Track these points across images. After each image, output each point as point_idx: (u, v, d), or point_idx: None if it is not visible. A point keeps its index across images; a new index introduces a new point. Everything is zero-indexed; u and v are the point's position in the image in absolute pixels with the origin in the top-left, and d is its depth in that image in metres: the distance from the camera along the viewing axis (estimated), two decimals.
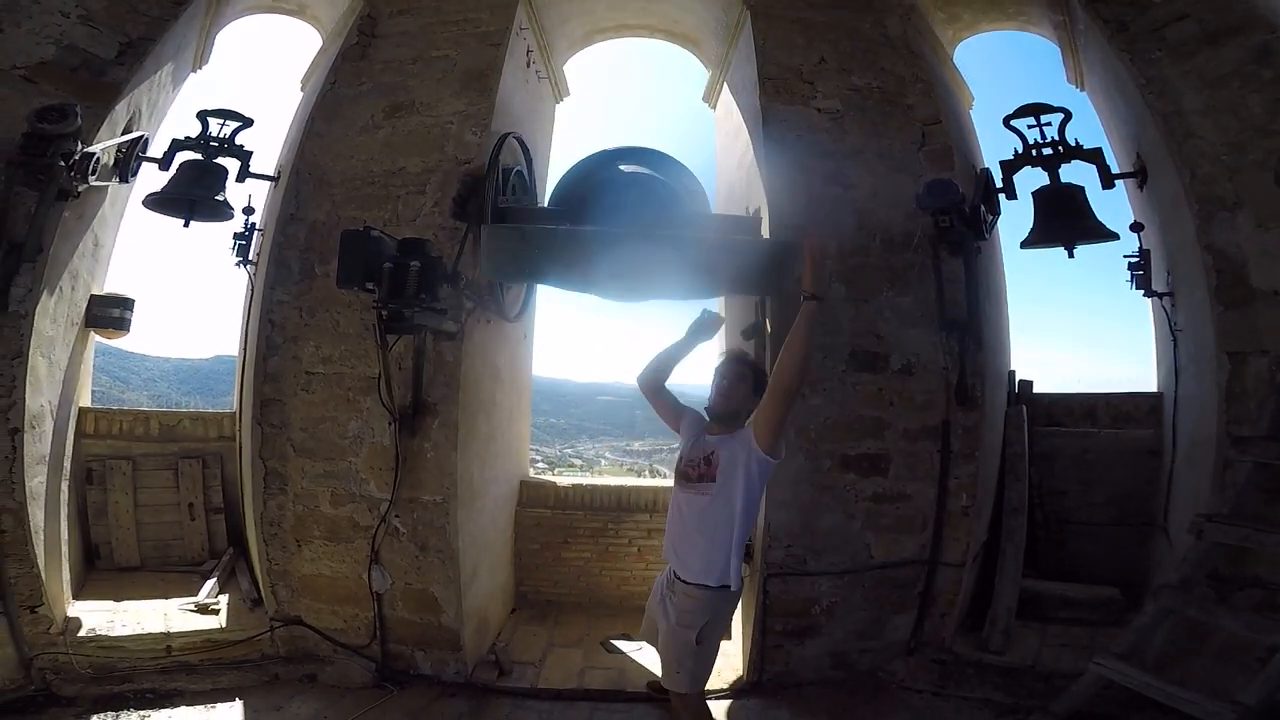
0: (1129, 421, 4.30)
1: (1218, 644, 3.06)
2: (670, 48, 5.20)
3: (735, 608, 2.62)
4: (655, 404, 3.05)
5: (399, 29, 4.10)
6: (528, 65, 4.51)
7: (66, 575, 3.65)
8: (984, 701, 3.45)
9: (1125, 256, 3.92)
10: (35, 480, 3.32)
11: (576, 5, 4.65)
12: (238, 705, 3.35)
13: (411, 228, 3.55)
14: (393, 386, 3.38)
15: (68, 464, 3.82)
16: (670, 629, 2.59)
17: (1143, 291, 3.87)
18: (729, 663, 3.94)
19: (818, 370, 3.56)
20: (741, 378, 2.70)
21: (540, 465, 14.29)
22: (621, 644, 4.21)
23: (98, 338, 4.28)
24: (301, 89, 4.72)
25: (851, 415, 3.55)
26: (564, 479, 5.27)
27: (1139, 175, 3.71)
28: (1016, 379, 4.47)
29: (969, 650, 3.60)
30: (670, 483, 5.75)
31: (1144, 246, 3.87)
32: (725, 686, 3.66)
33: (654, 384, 3.06)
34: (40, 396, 3.39)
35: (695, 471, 2.65)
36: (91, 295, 3.93)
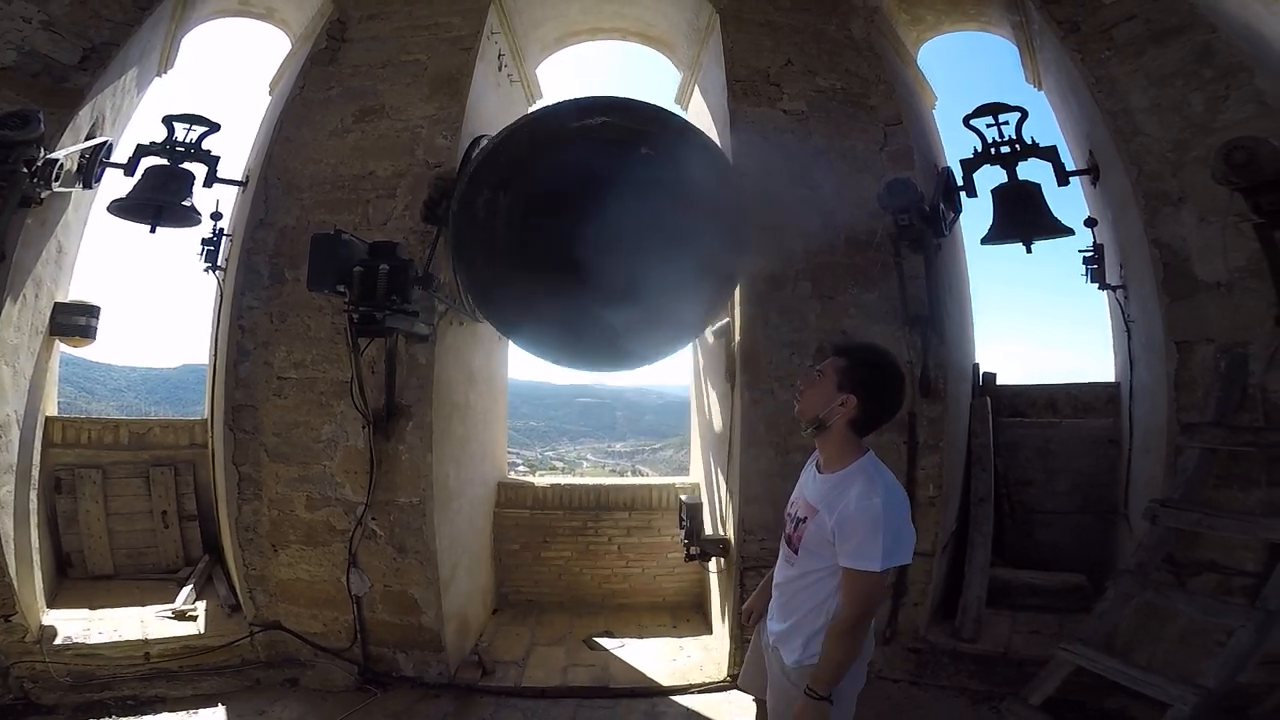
0: (1089, 411, 4.43)
1: (1179, 627, 3.16)
2: (643, 51, 5.25)
3: (864, 663, 2.03)
4: None
5: (369, 33, 4.11)
6: (500, 69, 4.54)
7: (39, 584, 3.62)
8: (959, 689, 3.54)
9: (1080, 251, 4.04)
10: (4, 489, 3.30)
11: (549, 9, 4.68)
12: (220, 710, 3.35)
13: (382, 231, 3.56)
14: (365, 390, 3.39)
15: (35, 473, 3.78)
16: (780, 684, 2.06)
17: (1098, 285, 3.99)
18: (710, 657, 4.00)
19: (784, 366, 3.64)
20: (820, 375, 2.02)
21: (521, 468, 14.26)
22: (604, 641, 4.25)
23: (63, 347, 4.23)
24: (270, 93, 4.70)
25: None
26: (542, 479, 5.30)
27: (1092, 172, 3.83)
28: (980, 372, 4.59)
29: (943, 639, 3.68)
30: (653, 480, 5.84)
31: (1098, 241, 3.99)
32: (708, 681, 3.72)
33: None
34: (6, 406, 3.37)
35: (790, 526, 2.10)
36: (56, 303, 3.89)
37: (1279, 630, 2.73)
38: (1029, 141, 3.61)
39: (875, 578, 1.82)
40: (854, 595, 1.86)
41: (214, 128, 3.80)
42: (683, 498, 4.19)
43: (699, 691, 3.64)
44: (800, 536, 2.00)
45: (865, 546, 1.80)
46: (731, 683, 3.63)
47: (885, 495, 1.84)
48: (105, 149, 3.66)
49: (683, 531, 3.99)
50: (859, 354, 2.02)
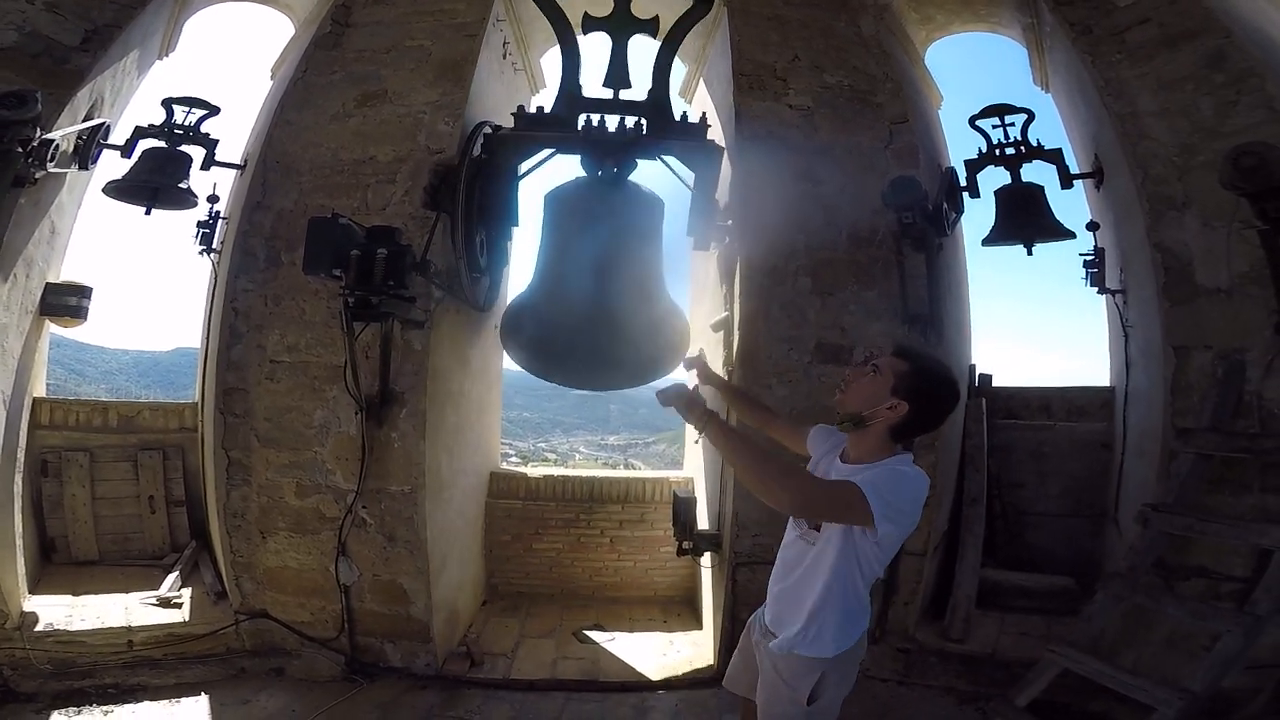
0: (1083, 415, 4.42)
1: (1166, 631, 3.18)
2: (648, 43, 5.19)
3: (857, 661, 1.97)
4: (774, 438, 2.36)
5: (373, 18, 4.07)
6: (504, 57, 4.50)
7: (21, 569, 3.57)
8: (946, 689, 3.54)
9: (1081, 254, 4.04)
10: None
11: None
12: (203, 699, 3.31)
13: (381, 216, 3.52)
14: (359, 375, 3.35)
15: (21, 455, 3.73)
16: (771, 684, 1.97)
17: (1097, 289, 3.99)
18: (700, 652, 4.00)
19: (783, 361, 3.62)
20: (876, 372, 1.88)
21: (514, 459, 14.26)
22: (594, 634, 4.24)
23: (53, 327, 4.18)
24: (272, 77, 4.65)
25: (816, 406, 3.60)
26: (535, 470, 5.28)
27: (1096, 175, 3.83)
28: (977, 373, 4.59)
29: (931, 639, 3.69)
30: (646, 473, 5.83)
31: (1099, 245, 3.99)
32: (697, 676, 3.71)
33: (760, 426, 2.38)
34: None
35: None
36: (47, 283, 3.84)
37: (1265, 635, 2.75)
38: (1034, 143, 3.60)
39: (852, 492, 1.68)
40: (828, 484, 1.79)
41: (213, 111, 3.77)
42: (676, 491, 4.18)
43: (688, 686, 3.64)
44: None
45: (872, 485, 1.68)
46: (721, 677, 3.62)
47: (913, 469, 1.79)
48: (103, 130, 3.61)
49: (675, 526, 3.98)
50: (923, 362, 1.87)
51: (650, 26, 3.09)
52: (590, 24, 3.08)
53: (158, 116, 3.72)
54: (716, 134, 4.26)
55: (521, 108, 3.40)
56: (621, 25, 3.01)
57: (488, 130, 3.72)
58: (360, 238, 2.86)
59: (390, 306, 2.91)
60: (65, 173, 3.51)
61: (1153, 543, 3.20)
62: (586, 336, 3.22)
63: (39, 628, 3.38)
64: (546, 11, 3.11)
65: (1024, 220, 3.52)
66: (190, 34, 4.41)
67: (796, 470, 1.77)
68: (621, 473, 5.98)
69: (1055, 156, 3.63)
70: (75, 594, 3.78)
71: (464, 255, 3.54)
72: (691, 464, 5.12)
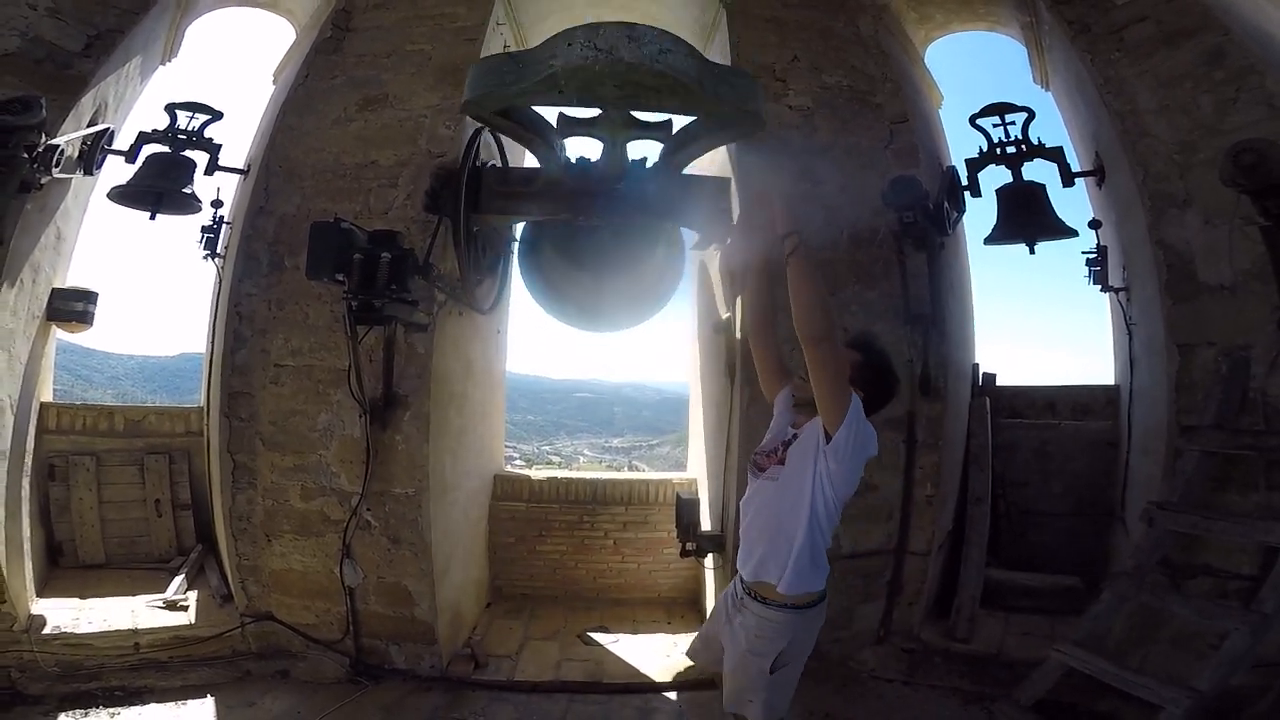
0: (1087, 413, 4.41)
1: (1172, 630, 3.16)
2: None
3: (817, 629, 2.18)
4: (758, 354, 2.42)
5: (374, 23, 4.09)
6: None
7: (29, 572, 3.60)
8: (951, 689, 3.52)
9: (1084, 253, 4.03)
10: None
11: (554, 1, 4.66)
12: (209, 702, 3.32)
13: (383, 220, 3.54)
14: (363, 379, 3.37)
15: (29, 460, 3.75)
16: (740, 654, 2.17)
17: (1100, 287, 3.99)
18: None
19: (785, 362, 3.61)
20: None
21: (518, 462, 14.27)
22: (598, 636, 4.24)
23: (59, 333, 4.21)
24: (274, 83, 4.68)
25: None
26: (539, 472, 5.29)
27: (1097, 173, 3.82)
28: (980, 372, 4.57)
29: (936, 639, 3.68)
30: (650, 475, 5.83)
31: (1101, 243, 3.99)
32: (700, 678, 3.70)
33: (759, 325, 2.39)
34: (0, 391, 3.33)
35: (766, 460, 2.19)
36: (53, 288, 3.87)
37: (1273, 633, 2.74)
38: (1035, 142, 3.59)
39: (849, 388, 1.97)
40: (844, 366, 2.00)
41: (216, 116, 3.80)
42: (679, 493, 4.18)
43: (692, 688, 3.63)
44: (788, 447, 2.11)
45: (858, 408, 1.95)
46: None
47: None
48: (107, 136, 3.65)
49: (678, 527, 3.98)
50: (875, 356, 2.16)
51: (659, 133, 2.51)
52: (569, 128, 2.48)
53: (161, 122, 3.75)
54: None
55: (496, 171, 3.60)
56: (616, 131, 2.45)
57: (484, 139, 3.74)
58: (363, 242, 2.88)
59: (393, 310, 2.92)
60: (70, 178, 3.55)
61: (1158, 541, 3.19)
62: (588, 312, 3.51)
63: (46, 630, 3.40)
64: (503, 129, 2.61)
65: (1025, 219, 3.51)
66: (192, 39, 4.48)
67: (836, 328, 2.01)
68: (625, 475, 5.98)
69: (1056, 155, 3.62)
70: (82, 597, 3.81)
71: (466, 258, 3.55)
72: (696, 466, 5.11)
